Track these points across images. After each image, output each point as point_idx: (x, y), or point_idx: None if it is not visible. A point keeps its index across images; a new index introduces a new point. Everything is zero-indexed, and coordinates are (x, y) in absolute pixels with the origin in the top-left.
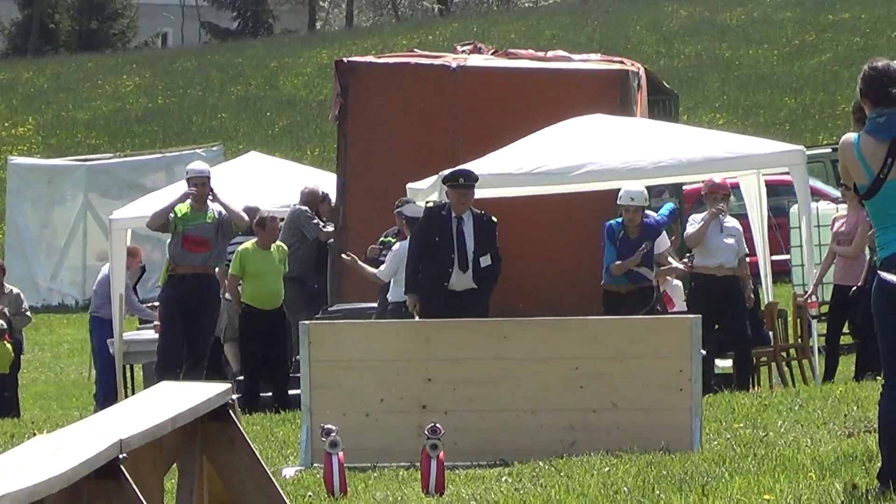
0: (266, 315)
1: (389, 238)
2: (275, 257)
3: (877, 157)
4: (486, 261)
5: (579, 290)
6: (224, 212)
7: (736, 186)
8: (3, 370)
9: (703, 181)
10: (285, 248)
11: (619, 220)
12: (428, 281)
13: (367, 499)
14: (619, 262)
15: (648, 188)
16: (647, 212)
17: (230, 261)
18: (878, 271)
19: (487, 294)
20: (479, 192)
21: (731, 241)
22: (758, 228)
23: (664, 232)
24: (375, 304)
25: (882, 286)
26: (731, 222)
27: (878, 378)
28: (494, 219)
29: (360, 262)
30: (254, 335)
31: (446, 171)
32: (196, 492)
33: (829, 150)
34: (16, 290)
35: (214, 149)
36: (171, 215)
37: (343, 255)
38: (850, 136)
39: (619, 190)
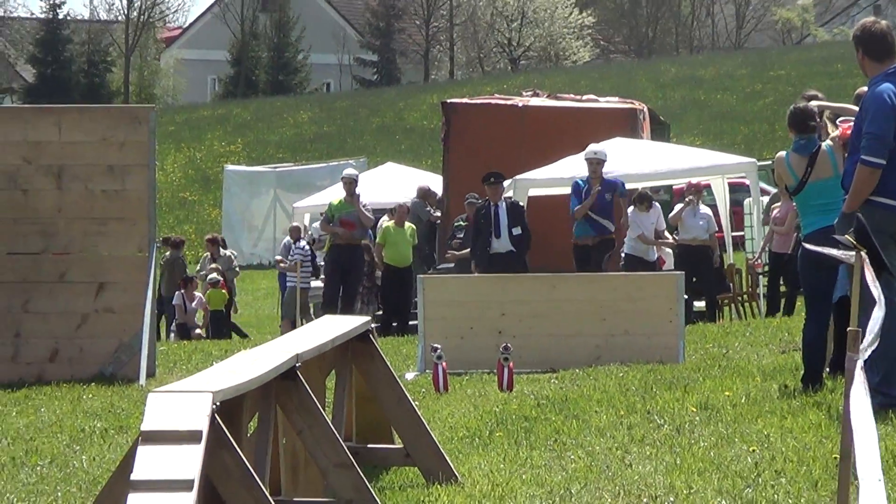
0: (399, 271)
1: (460, 223)
2: (406, 232)
3: (801, 167)
4: (517, 231)
5: None
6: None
7: (708, 186)
8: (220, 308)
9: (685, 182)
10: (414, 227)
11: (585, 177)
12: (480, 247)
13: (461, 394)
14: (578, 207)
15: (650, 187)
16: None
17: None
18: (803, 243)
19: (523, 253)
20: (540, 191)
21: (702, 222)
22: (723, 214)
23: (661, 213)
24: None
25: (805, 253)
26: (704, 210)
27: (802, 315)
28: (522, 203)
29: (456, 254)
30: (390, 285)
31: (519, 176)
32: (348, 388)
33: (771, 162)
34: (228, 253)
35: (361, 160)
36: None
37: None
38: (783, 153)
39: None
